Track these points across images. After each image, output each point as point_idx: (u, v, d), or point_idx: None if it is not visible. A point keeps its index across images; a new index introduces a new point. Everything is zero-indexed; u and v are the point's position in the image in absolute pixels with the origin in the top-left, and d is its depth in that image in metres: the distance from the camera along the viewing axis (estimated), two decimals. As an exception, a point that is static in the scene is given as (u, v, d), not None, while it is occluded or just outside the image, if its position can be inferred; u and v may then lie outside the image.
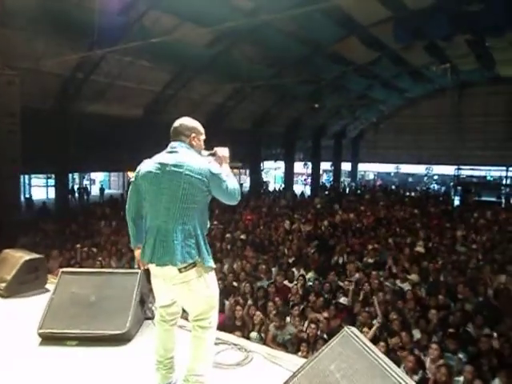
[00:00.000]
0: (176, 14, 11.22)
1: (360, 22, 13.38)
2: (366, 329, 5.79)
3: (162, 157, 2.38)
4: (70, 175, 19.12)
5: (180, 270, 2.23)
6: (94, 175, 27.00)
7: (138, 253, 2.47)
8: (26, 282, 3.97)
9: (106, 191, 24.10)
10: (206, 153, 2.53)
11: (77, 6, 9.86)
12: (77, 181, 24.89)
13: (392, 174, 31.79)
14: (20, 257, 4.08)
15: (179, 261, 2.21)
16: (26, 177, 20.93)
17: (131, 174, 26.06)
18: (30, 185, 23.14)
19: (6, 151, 8.45)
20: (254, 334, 5.66)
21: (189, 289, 2.29)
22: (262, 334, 5.73)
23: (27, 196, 20.16)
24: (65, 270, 3.55)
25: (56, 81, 12.12)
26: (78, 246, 9.25)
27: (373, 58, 16.37)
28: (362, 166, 31.02)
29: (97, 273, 3.62)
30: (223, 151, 2.54)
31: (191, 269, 2.25)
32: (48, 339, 3.07)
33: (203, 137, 2.56)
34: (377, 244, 10.09)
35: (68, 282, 3.34)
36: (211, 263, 2.34)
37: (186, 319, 2.59)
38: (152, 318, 3.38)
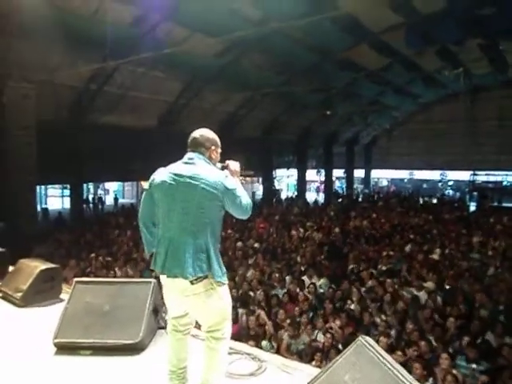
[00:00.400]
0: (187, 26, 11.37)
1: (370, 28, 13.36)
2: (382, 338, 5.71)
3: (178, 167, 2.33)
4: (85, 185, 19.39)
5: (192, 282, 2.20)
6: (108, 185, 27.29)
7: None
8: (42, 291, 4.00)
9: (120, 200, 24.37)
10: (218, 165, 2.48)
11: (90, 19, 10.08)
12: (91, 191, 25.19)
13: (406, 181, 31.45)
14: (36, 266, 4.12)
15: (190, 274, 2.17)
16: (43, 187, 21.28)
17: (145, 184, 26.26)
18: (46, 195, 23.52)
19: (22, 163, 8.63)
20: (264, 343, 5.62)
21: (201, 301, 2.26)
22: (273, 343, 5.68)
23: (44, 206, 20.48)
24: (79, 279, 3.57)
25: (70, 93, 12.36)
26: (93, 255, 9.34)
27: (384, 64, 16.33)
28: (375, 173, 30.79)
29: (110, 282, 3.64)
30: (235, 165, 2.48)
31: (202, 281, 2.22)
32: (63, 349, 3.08)
33: (220, 150, 2.51)
34: (391, 251, 9.97)
35: (82, 292, 3.36)
36: (223, 279, 2.30)
37: (199, 328, 2.58)
38: (165, 328, 3.39)
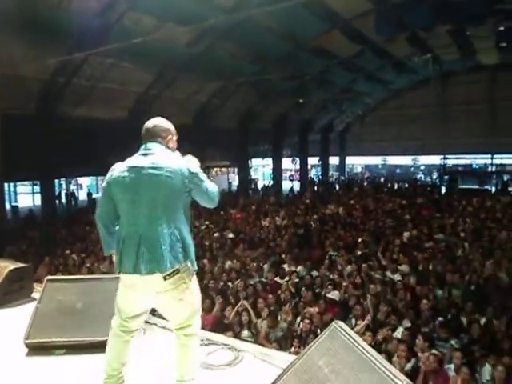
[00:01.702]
0: (155, 15, 11.11)
1: (342, 15, 13.40)
2: (360, 321, 5.84)
3: (137, 160, 2.25)
4: (57, 181, 18.86)
5: (165, 278, 2.14)
6: (81, 180, 26.69)
7: (112, 259, 2.40)
8: (12, 291, 3.90)
9: (94, 195, 23.87)
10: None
11: (54, 8, 9.70)
12: (64, 186, 24.59)
13: (380, 166, 31.97)
14: (4, 266, 4.00)
15: (167, 267, 2.12)
16: (11, 184, 20.64)
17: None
18: (15, 192, 22.81)
19: (-13, 159, 8.30)
20: (245, 333, 5.65)
21: (173, 297, 2.21)
22: (253, 331, 5.72)
23: (13, 204, 19.88)
24: (50, 277, 3.49)
25: (37, 85, 11.93)
26: (68, 252, 9.16)
27: (356, 51, 16.43)
28: (349, 160, 31.15)
29: (82, 279, 3.58)
30: (194, 161, 2.37)
31: (175, 275, 2.17)
32: (35, 349, 3.01)
33: (176, 137, 2.45)
34: (366, 237, 10.14)
35: (54, 290, 3.29)
36: (196, 266, 2.29)
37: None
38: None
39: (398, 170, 30.99)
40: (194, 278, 2.32)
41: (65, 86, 12.31)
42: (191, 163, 2.29)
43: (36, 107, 12.29)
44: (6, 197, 15.48)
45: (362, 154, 28.94)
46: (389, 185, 23.17)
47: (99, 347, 2.97)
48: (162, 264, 2.12)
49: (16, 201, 21.65)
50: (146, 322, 3.35)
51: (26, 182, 22.31)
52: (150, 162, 2.21)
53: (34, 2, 9.34)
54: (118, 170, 2.26)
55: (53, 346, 2.98)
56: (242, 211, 14.41)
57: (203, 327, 2.62)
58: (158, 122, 2.39)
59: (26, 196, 23.10)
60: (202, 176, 2.28)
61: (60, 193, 21.47)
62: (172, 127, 2.43)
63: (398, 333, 5.51)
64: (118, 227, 2.30)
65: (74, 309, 3.16)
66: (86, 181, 27.05)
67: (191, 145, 19.98)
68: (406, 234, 10.27)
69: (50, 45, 10.48)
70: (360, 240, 9.79)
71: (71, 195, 22.86)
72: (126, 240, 2.20)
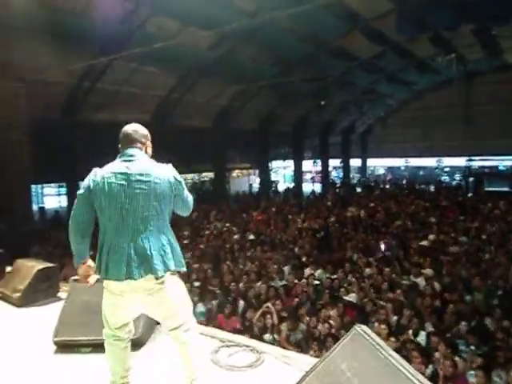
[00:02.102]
0: (178, 19, 11.27)
1: (362, 15, 13.27)
2: (382, 326, 5.75)
3: (122, 166, 2.22)
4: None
5: (157, 279, 2.15)
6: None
7: (84, 267, 2.35)
8: (39, 291, 4.01)
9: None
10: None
11: (79, 16, 9.96)
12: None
13: (402, 168, 31.48)
14: (33, 266, 4.12)
15: (159, 269, 2.13)
16: (39, 186, 21.17)
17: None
18: (42, 194, 23.39)
19: (15, 163, 8.56)
20: (267, 336, 5.65)
21: (164, 294, 2.21)
22: (275, 335, 5.71)
23: (40, 205, 20.38)
24: (75, 278, 3.57)
25: (63, 91, 12.25)
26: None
27: (377, 52, 16.25)
28: (371, 162, 30.81)
29: (107, 280, 3.64)
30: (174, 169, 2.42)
31: (165, 275, 2.20)
32: (63, 347, 3.10)
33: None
34: (388, 240, 10.01)
35: (79, 290, 3.36)
36: (184, 266, 2.30)
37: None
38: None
39: (421, 172, 30.46)
40: (177, 275, 2.32)
41: (89, 90, 12.60)
42: (175, 171, 2.31)
43: (62, 112, 12.62)
44: (34, 198, 15.86)
45: (384, 155, 28.56)
46: (411, 186, 22.78)
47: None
48: (153, 268, 2.12)
49: (43, 202, 22.19)
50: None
51: (52, 184, 22.86)
52: (137, 168, 2.20)
53: (60, 10, 9.60)
54: (101, 176, 2.21)
55: (79, 345, 3.06)
56: (263, 213, 14.42)
57: (225, 329, 2.64)
58: (137, 127, 2.38)
59: (52, 197, 23.66)
60: (184, 184, 2.32)
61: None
62: (148, 133, 2.42)
63: (421, 338, 5.42)
64: (100, 233, 2.24)
65: (99, 309, 3.21)
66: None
67: (212, 147, 20.14)
68: (431, 237, 10.07)
69: (76, 50, 10.73)
70: (382, 243, 9.66)
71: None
72: (115, 248, 2.17)
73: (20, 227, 8.97)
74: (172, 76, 14.34)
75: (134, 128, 2.36)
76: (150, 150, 2.40)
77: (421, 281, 7.35)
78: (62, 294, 3.94)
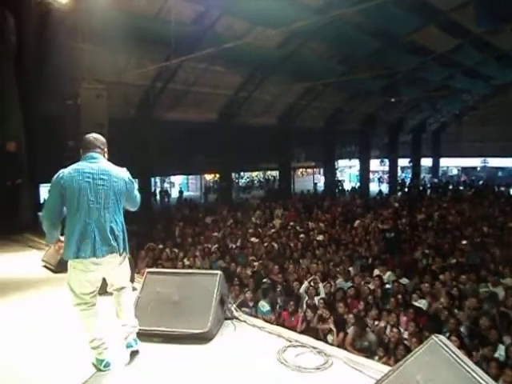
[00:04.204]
0: (246, 19, 11.40)
1: (438, 7, 12.55)
2: (453, 337, 5.42)
3: (88, 166, 2.70)
4: (152, 179, 20.29)
5: (120, 254, 2.73)
6: (173, 178, 28.30)
7: (58, 244, 2.82)
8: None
9: (185, 193, 25.19)
10: None
11: (154, 19, 10.43)
12: (158, 184, 26.27)
13: (479, 169, 29.45)
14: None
15: (119, 248, 2.70)
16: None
17: (208, 177, 26.97)
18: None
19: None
20: (330, 338, 5.56)
21: (121, 268, 2.82)
22: (335, 339, 5.59)
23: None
24: (150, 270, 3.75)
25: (137, 91, 12.95)
26: (161, 246, 9.76)
27: (454, 45, 15.29)
28: (444, 161, 29.15)
29: (178, 273, 3.78)
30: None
31: (123, 253, 2.78)
32: (137, 336, 3.25)
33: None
34: (463, 245, 9.41)
35: (153, 282, 3.52)
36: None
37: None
38: (231, 319, 3.46)
39: (499, 173, 28.31)
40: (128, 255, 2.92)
41: (162, 90, 13.19)
42: (128, 173, 2.86)
43: (136, 111, 13.33)
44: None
45: (459, 155, 26.95)
46: (489, 188, 21.25)
47: (194, 339, 3.14)
48: (115, 247, 2.68)
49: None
50: (237, 318, 3.47)
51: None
52: (100, 168, 2.72)
53: (136, 14, 10.12)
54: (71, 174, 2.67)
55: (152, 335, 3.19)
56: (328, 213, 14.20)
57: (290, 328, 2.62)
58: (97, 136, 2.88)
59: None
60: (135, 184, 2.91)
61: (155, 190, 22.99)
62: (106, 142, 2.92)
63: (500, 352, 5.03)
64: (69, 221, 2.68)
65: (171, 301, 3.35)
66: (178, 179, 28.58)
67: (277, 145, 20.12)
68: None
69: (150, 53, 11.28)
70: (456, 248, 9.11)
71: (165, 193, 24.35)
72: (83, 232, 2.63)
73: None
74: (239, 75, 14.58)
75: (94, 136, 2.86)
76: (107, 155, 2.90)
77: (500, 291, 6.83)
78: (137, 285, 4.13)
